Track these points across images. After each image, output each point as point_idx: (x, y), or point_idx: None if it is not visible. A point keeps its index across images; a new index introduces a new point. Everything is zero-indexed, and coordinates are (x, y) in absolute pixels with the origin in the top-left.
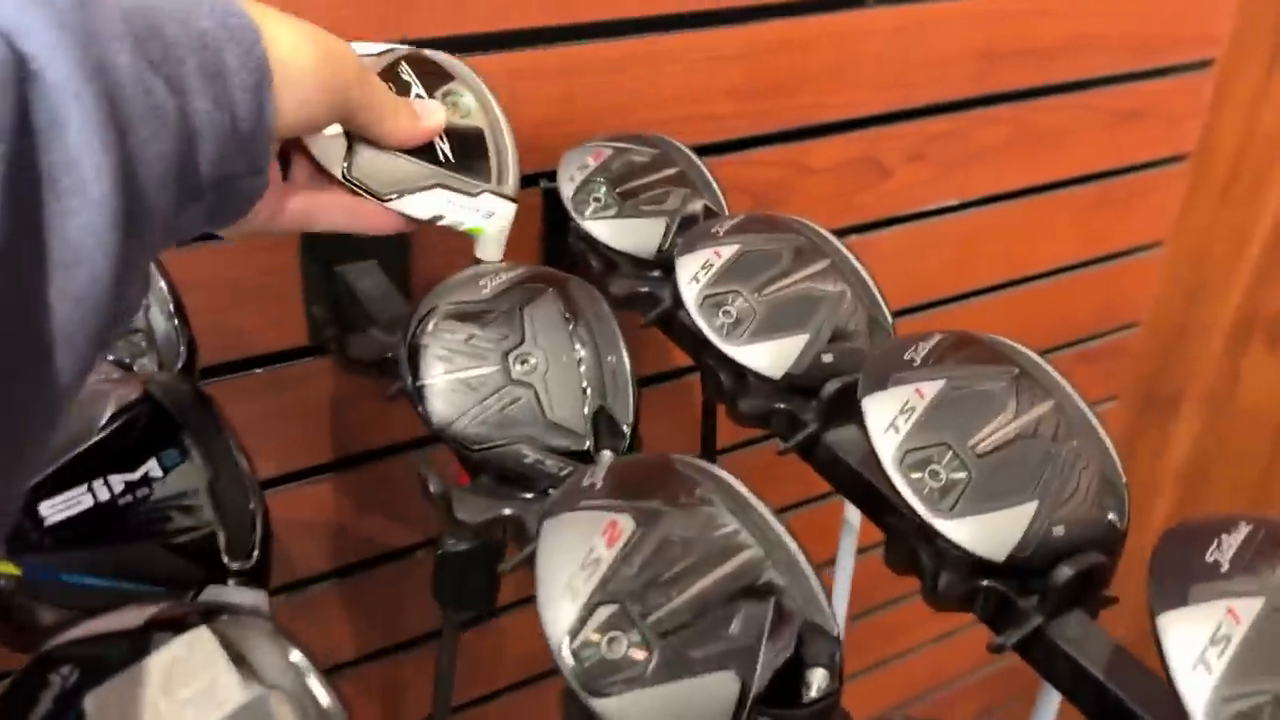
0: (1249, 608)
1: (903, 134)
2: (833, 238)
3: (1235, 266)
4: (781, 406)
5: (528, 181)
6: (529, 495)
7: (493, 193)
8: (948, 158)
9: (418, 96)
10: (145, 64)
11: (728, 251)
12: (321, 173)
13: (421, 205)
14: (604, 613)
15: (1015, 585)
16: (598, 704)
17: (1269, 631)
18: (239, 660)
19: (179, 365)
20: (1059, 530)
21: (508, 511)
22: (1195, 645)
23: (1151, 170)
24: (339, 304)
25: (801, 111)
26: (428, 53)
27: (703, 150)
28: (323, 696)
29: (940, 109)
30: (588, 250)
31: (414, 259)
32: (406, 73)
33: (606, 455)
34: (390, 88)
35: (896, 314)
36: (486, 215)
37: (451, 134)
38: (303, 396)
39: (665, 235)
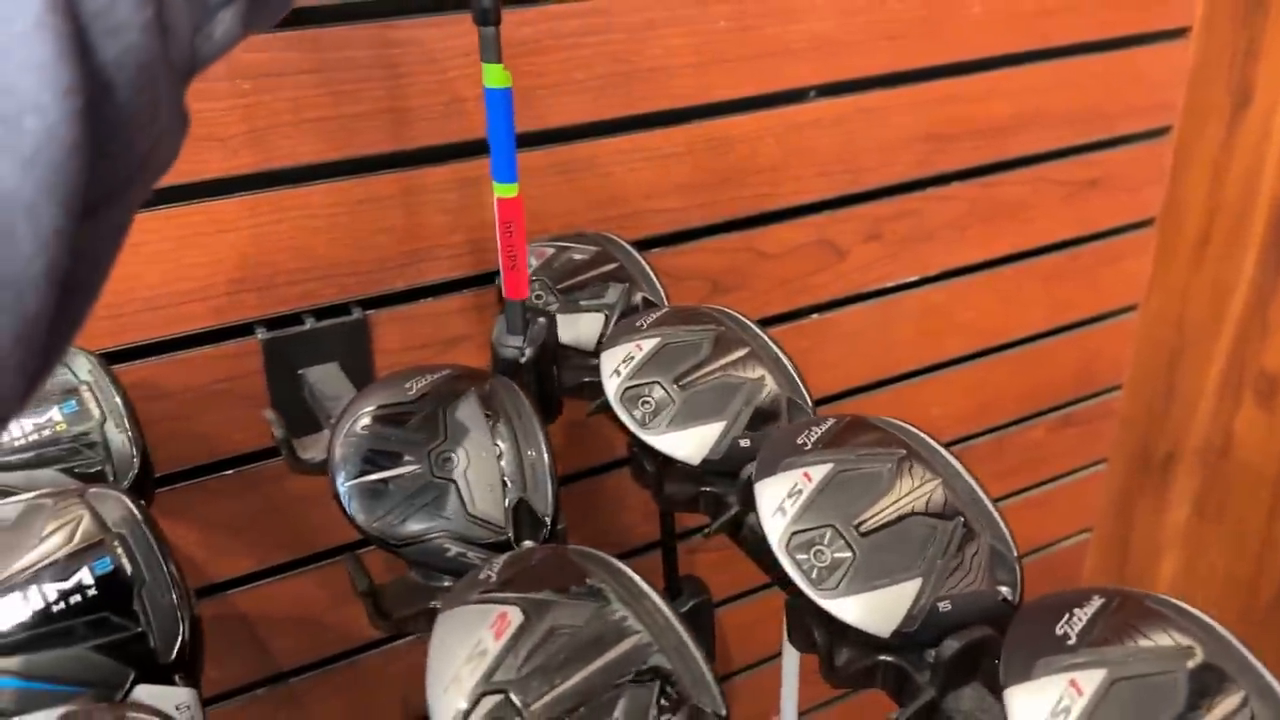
0: (1091, 679)
1: (855, 216)
2: (753, 325)
3: (1217, 325)
4: (706, 490)
5: (485, 279)
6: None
7: None
8: (903, 236)
9: None
10: None
11: (648, 344)
12: None
13: None
14: (488, 703)
15: (913, 659)
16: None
17: (1109, 702)
18: None
19: (132, 476)
20: (944, 606)
21: (435, 604)
22: (1037, 718)
23: (1117, 237)
24: (303, 407)
25: (751, 201)
26: None
27: (656, 242)
28: None
29: (891, 190)
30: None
31: (375, 360)
32: None
33: (528, 546)
34: None
35: (863, 389)
36: None
37: None
38: (276, 494)
39: (605, 327)
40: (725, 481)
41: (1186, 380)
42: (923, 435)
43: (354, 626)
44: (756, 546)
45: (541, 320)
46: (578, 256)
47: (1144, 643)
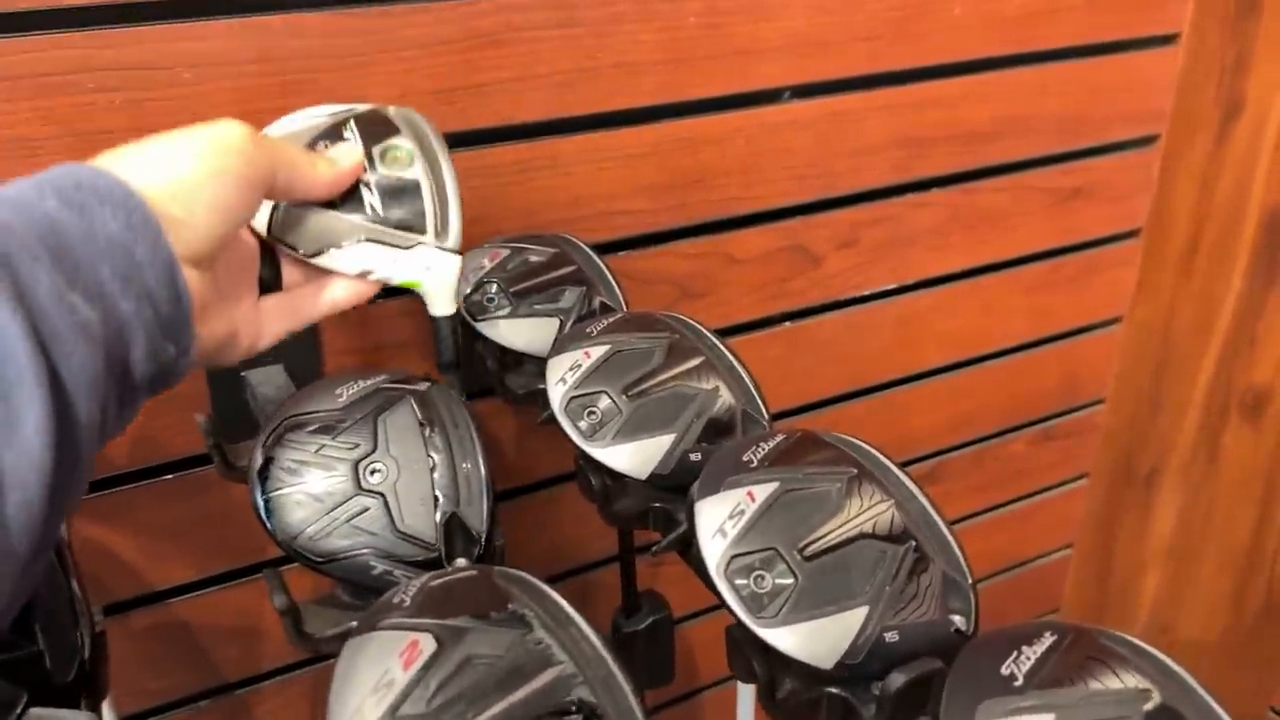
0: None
1: (829, 222)
2: (709, 333)
3: (1204, 339)
4: (656, 505)
5: None
6: None
7: (430, 245)
8: (880, 243)
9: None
10: (63, 280)
11: (597, 352)
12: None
13: (348, 260)
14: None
15: (858, 692)
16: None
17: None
18: None
19: None
20: (892, 636)
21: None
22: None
23: (1102, 247)
24: (245, 410)
25: (721, 204)
26: (382, 109)
27: (621, 245)
28: None
29: (867, 196)
30: (484, 350)
31: (326, 362)
32: (349, 130)
33: (460, 564)
34: (324, 145)
35: (838, 399)
36: (424, 269)
37: (384, 188)
38: (220, 499)
39: (559, 332)
40: (675, 497)
41: (1172, 394)
42: (876, 454)
43: None
44: (701, 568)
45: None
46: (534, 259)
47: (1095, 685)
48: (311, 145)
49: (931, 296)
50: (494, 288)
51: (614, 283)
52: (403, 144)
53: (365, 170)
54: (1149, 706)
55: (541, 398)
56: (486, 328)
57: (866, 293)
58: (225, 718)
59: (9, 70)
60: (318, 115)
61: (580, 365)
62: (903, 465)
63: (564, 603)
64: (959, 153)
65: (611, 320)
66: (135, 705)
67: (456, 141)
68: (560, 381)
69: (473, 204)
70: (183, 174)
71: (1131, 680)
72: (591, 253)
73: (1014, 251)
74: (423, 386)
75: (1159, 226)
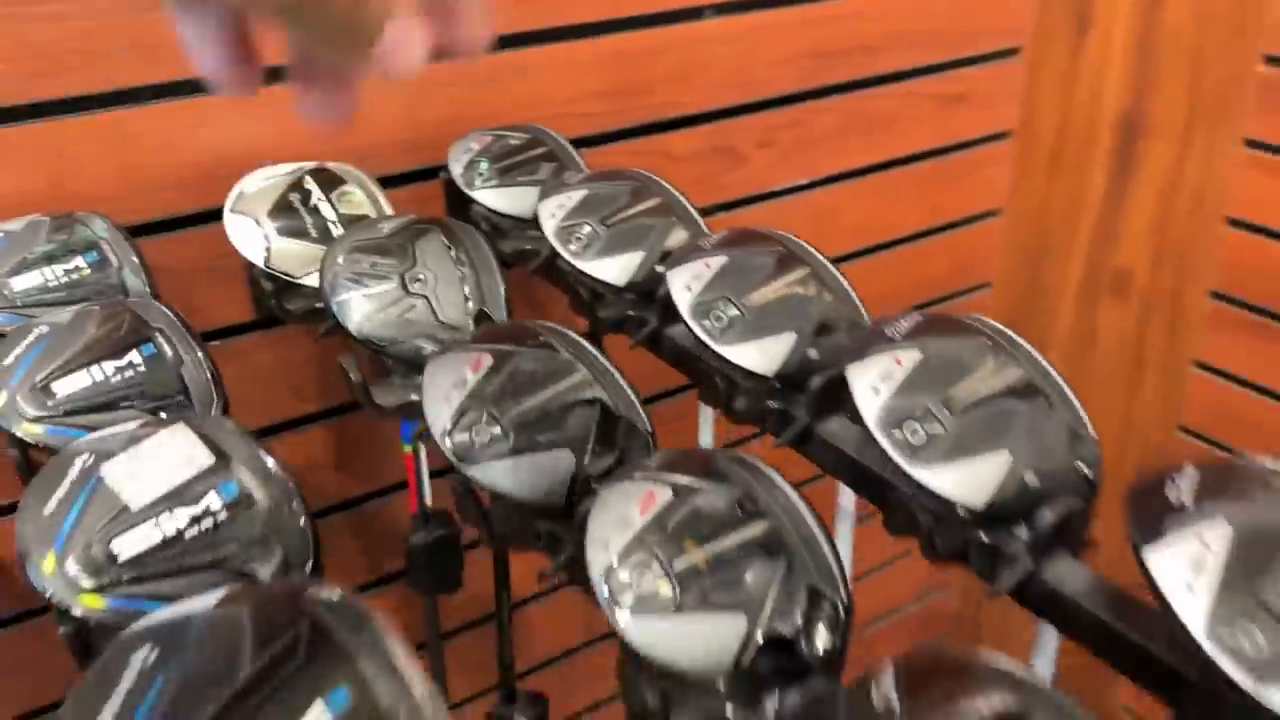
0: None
1: (751, 125)
2: (664, 182)
3: (1074, 228)
4: (630, 314)
5: (429, 173)
6: None
7: None
8: (793, 144)
9: (318, 199)
10: None
11: (578, 195)
12: None
13: None
14: (471, 413)
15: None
16: (470, 470)
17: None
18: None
19: (216, 405)
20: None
21: (414, 397)
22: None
23: (980, 147)
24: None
25: (659, 108)
26: (329, 166)
27: (578, 142)
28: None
29: (781, 101)
30: (478, 218)
31: None
32: (309, 183)
33: None
34: (296, 198)
35: None
36: None
37: (345, 223)
38: (251, 364)
39: (539, 198)
40: (645, 303)
41: (1050, 278)
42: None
43: (329, 487)
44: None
45: None
46: (513, 142)
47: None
48: (284, 202)
49: (837, 191)
50: (484, 164)
51: (580, 161)
52: (354, 189)
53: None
54: None
55: (528, 255)
56: (480, 195)
57: (783, 187)
58: None
59: None
60: (275, 174)
61: (565, 205)
62: None
63: (580, 338)
64: (856, 64)
65: (585, 175)
66: None
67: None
68: (551, 217)
69: (450, 108)
70: None
71: None
72: (560, 138)
73: (904, 151)
74: (446, 220)
75: (1028, 129)
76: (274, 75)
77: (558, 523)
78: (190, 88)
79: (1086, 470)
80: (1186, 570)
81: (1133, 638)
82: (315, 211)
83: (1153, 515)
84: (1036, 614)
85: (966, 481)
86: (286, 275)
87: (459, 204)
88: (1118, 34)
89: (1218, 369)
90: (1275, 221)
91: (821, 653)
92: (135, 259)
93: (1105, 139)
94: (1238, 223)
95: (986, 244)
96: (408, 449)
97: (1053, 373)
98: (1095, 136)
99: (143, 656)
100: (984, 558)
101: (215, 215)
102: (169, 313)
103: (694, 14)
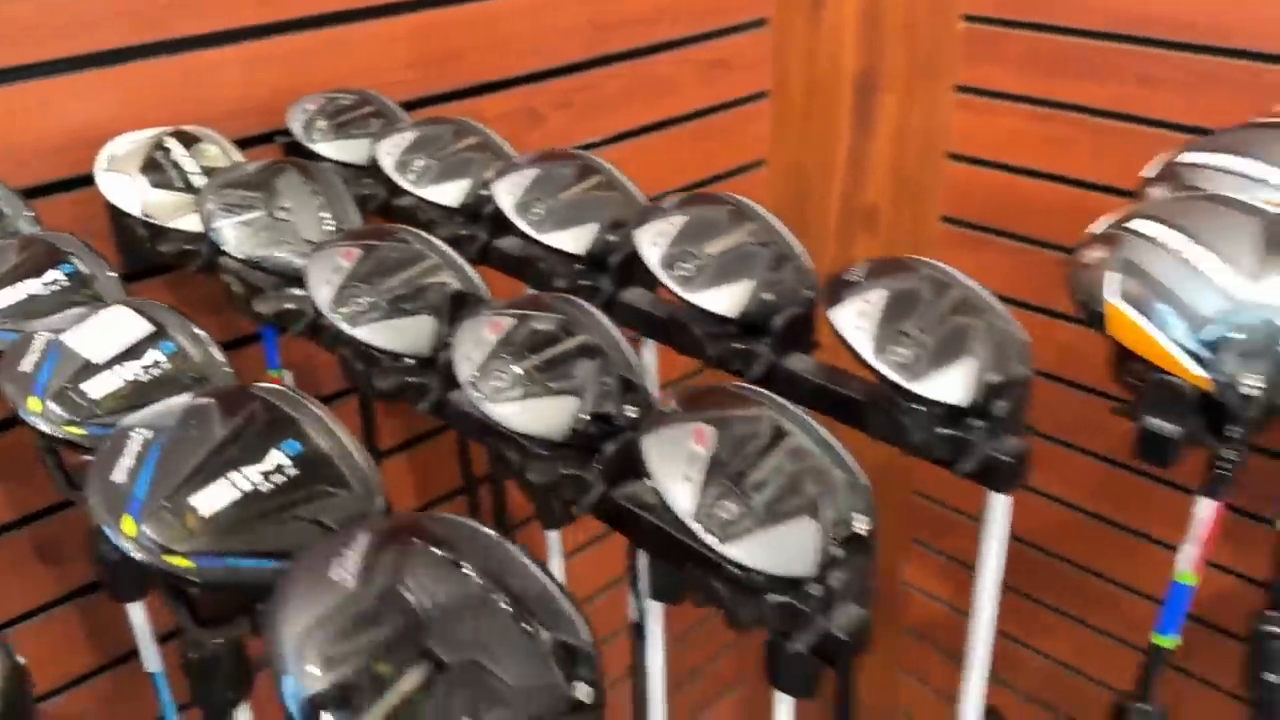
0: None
1: (549, 90)
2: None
3: (829, 174)
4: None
5: (267, 138)
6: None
7: None
8: (586, 105)
9: (179, 155)
10: None
11: (411, 134)
12: None
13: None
14: (348, 289)
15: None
16: (354, 332)
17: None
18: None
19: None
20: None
21: (289, 306)
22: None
23: (741, 107)
24: None
25: (468, 74)
26: (185, 128)
27: (408, 105)
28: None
29: (574, 68)
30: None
31: None
32: (169, 142)
33: None
34: (161, 155)
35: None
36: None
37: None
38: None
39: (371, 147)
40: (473, 221)
41: (812, 218)
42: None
43: None
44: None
45: None
46: (344, 102)
47: None
48: (151, 159)
49: (627, 147)
50: (321, 121)
51: (403, 115)
52: (210, 145)
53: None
54: None
55: (366, 202)
56: (320, 148)
57: (581, 144)
58: None
59: None
60: (138, 138)
61: (399, 145)
62: None
63: (432, 237)
64: (634, 34)
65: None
66: None
67: (269, 30)
68: (387, 155)
69: (280, 80)
70: None
71: None
72: (384, 98)
73: (679, 110)
74: (302, 162)
75: (781, 89)
76: (121, 55)
77: (423, 374)
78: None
79: (806, 290)
80: (854, 317)
81: (843, 393)
82: (177, 166)
83: (836, 290)
84: (782, 395)
85: (726, 305)
86: (160, 222)
87: (301, 159)
88: (848, 5)
89: None
90: (985, 153)
91: (630, 418)
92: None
93: (846, 95)
94: (957, 156)
95: (755, 191)
96: (274, 374)
97: (779, 228)
98: (838, 93)
99: (140, 436)
100: (735, 359)
101: (71, 185)
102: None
103: None
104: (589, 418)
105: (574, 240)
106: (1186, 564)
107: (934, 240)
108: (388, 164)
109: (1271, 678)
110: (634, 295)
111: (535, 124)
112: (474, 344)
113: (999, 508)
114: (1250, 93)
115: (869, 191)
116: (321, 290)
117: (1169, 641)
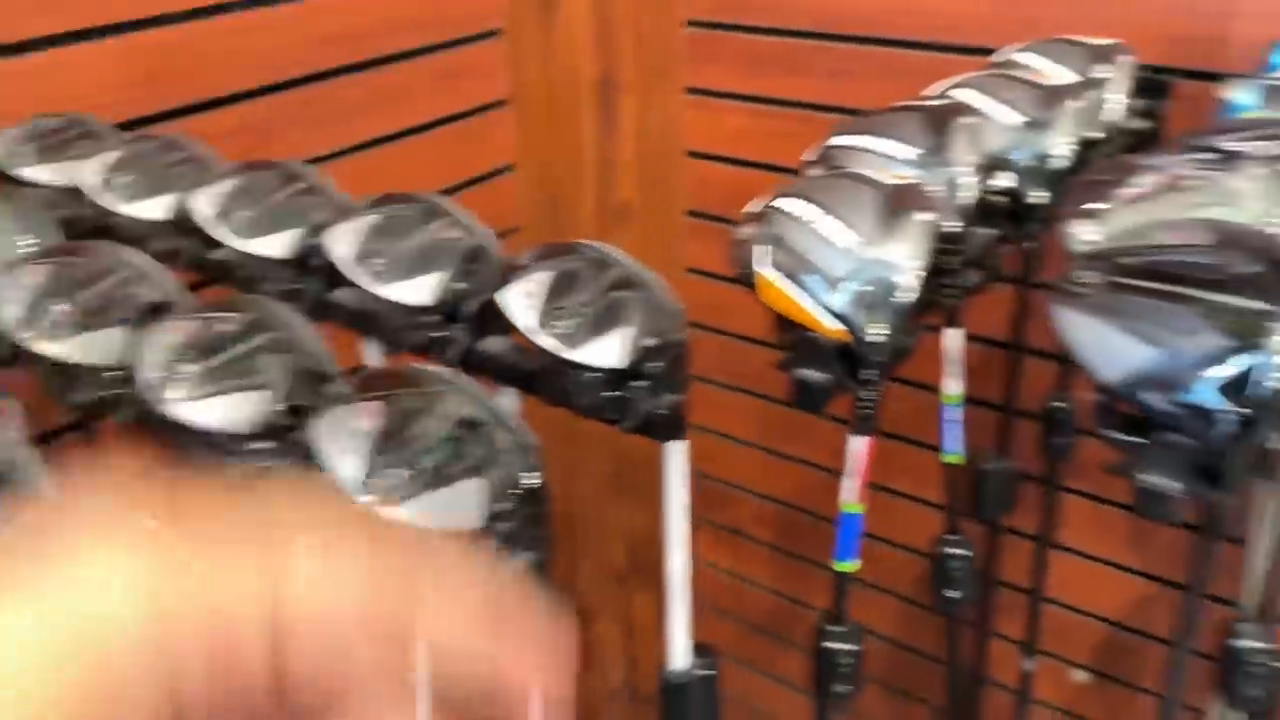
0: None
1: (279, 103)
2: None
3: (580, 174)
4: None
5: None
6: None
7: None
8: (321, 118)
9: None
10: None
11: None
12: None
13: None
14: (40, 306)
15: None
16: (41, 348)
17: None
18: None
19: None
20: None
21: None
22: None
23: (481, 114)
24: None
25: (191, 92)
26: None
27: (125, 126)
28: None
29: (305, 80)
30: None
31: None
32: None
33: None
34: None
35: None
36: None
37: None
38: None
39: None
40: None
41: (568, 216)
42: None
43: None
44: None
45: None
46: (52, 125)
47: None
48: None
49: (370, 156)
50: (29, 148)
51: (122, 136)
52: None
53: None
54: None
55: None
56: (27, 173)
57: (318, 155)
58: None
59: None
60: None
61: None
62: None
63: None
64: (369, 47)
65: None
66: None
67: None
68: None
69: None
70: None
71: None
72: (95, 121)
73: (421, 120)
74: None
75: (522, 96)
76: None
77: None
78: None
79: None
80: (521, 297)
81: (526, 367)
82: None
83: (505, 274)
84: (479, 373)
85: (414, 293)
86: None
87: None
88: (578, 14)
89: (703, 271)
90: (718, 149)
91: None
92: None
93: (590, 98)
94: (695, 154)
95: (509, 194)
96: None
97: (474, 225)
98: (581, 96)
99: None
100: (434, 345)
101: None
102: None
103: (223, 9)
104: (283, 409)
105: (278, 244)
106: (850, 495)
107: (681, 233)
108: (94, 184)
109: (950, 593)
110: (343, 295)
111: (264, 139)
112: (163, 347)
113: (675, 454)
114: (932, 79)
115: (620, 188)
116: (8, 310)
117: (849, 566)
